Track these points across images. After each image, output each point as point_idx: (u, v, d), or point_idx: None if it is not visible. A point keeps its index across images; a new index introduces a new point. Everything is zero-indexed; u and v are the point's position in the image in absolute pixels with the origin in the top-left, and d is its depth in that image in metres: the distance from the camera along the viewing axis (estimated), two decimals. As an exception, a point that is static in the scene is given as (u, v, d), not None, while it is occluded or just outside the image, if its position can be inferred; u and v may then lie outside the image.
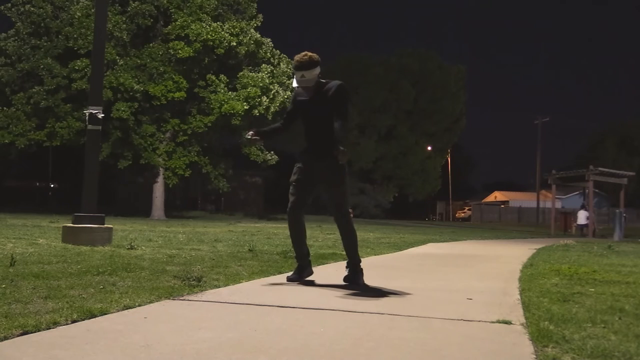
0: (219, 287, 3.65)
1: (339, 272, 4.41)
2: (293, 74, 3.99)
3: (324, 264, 5.31)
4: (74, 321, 2.47)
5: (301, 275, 4.12)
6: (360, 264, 4.18)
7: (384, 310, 2.98)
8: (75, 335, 2.24)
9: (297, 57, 3.91)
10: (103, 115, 7.07)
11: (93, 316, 2.58)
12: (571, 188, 44.70)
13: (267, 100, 22.16)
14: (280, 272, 4.63)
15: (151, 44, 22.57)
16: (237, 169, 27.58)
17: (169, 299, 3.12)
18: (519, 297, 3.69)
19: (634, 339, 2.45)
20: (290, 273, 4.25)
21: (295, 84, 3.97)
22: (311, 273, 4.18)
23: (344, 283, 4.08)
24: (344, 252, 4.29)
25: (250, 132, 4.15)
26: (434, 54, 46.53)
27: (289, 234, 4.25)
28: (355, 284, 4.03)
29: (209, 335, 2.31)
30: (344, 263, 5.62)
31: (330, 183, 4.03)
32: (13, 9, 21.87)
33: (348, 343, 2.25)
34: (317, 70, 3.92)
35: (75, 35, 20.98)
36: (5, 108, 21.24)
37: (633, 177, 27.04)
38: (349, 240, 4.15)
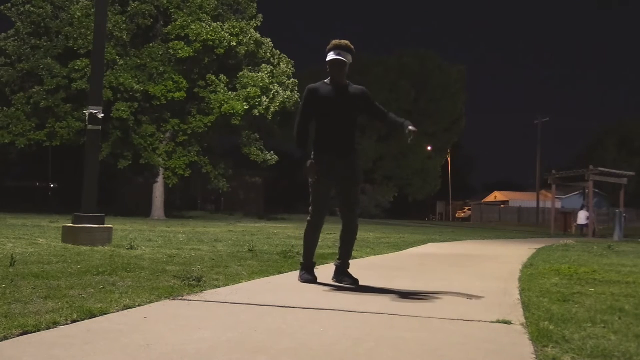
0: (219, 287, 3.65)
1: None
2: (327, 52, 4.05)
3: (324, 264, 5.31)
4: (74, 321, 2.47)
5: (314, 275, 4.12)
6: None
7: (384, 310, 2.98)
8: (75, 335, 2.24)
9: (334, 42, 4.06)
10: (103, 115, 7.07)
11: (93, 316, 2.58)
12: (571, 188, 44.69)
13: (267, 100, 22.15)
14: (280, 272, 4.63)
15: (151, 44, 22.56)
16: (237, 169, 27.56)
17: (169, 299, 3.12)
18: (519, 297, 3.69)
19: (634, 339, 2.45)
20: (302, 273, 4.15)
21: (333, 56, 3.99)
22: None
23: (338, 282, 4.07)
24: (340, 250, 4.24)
25: (310, 163, 3.92)
26: (434, 54, 46.54)
27: (304, 239, 4.16)
28: (351, 278, 4.04)
29: (209, 335, 2.31)
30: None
31: (350, 181, 4.06)
32: (13, 9, 21.85)
33: (348, 343, 2.25)
34: (351, 58, 4.06)
35: (75, 35, 20.96)
36: (5, 108, 21.22)
37: (633, 177, 27.02)
38: (353, 237, 4.19)
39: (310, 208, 4.10)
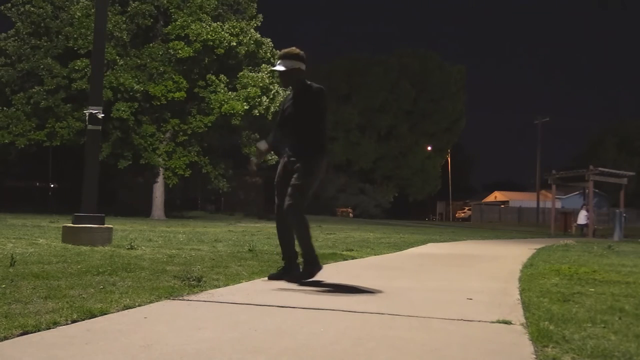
0: (219, 287, 3.65)
1: (339, 272, 4.41)
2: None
3: (324, 264, 5.30)
4: (74, 321, 2.47)
5: (285, 274, 4.10)
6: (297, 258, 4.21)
7: (384, 310, 2.97)
8: (75, 335, 2.24)
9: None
10: (103, 115, 7.06)
11: (93, 316, 2.58)
12: (571, 188, 44.72)
13: (267, 100, 22.16)
14: (280, 272, 4.62)
15: (151, 44, 22.57)
16: (237, 169, 27.58)
17: (169, 299, 3.12)
18: (519, 297, 3.69)
19: (634, 339, 2.45)
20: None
21: (276, 68, 4.14)
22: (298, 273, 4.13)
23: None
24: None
25: (261, 144, 4.18)
26: (434, 54, 46.61)
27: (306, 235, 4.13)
28: (295, 276, 4.07)
29: (209, 335, 2.31)
30: (346, 263, 5.64)
31: (295, 173, 4.10)
32: (13, 9, 21.87)
33: (348, 343, 2.25)
34: (295, 63, 4.09)
35: (75, 35, 20.98)
36: (5, 108, 21.24)
37: (633, 177, 27.02)
38: (291, 232, 4.20)
39: (303, 201, 4.08)
